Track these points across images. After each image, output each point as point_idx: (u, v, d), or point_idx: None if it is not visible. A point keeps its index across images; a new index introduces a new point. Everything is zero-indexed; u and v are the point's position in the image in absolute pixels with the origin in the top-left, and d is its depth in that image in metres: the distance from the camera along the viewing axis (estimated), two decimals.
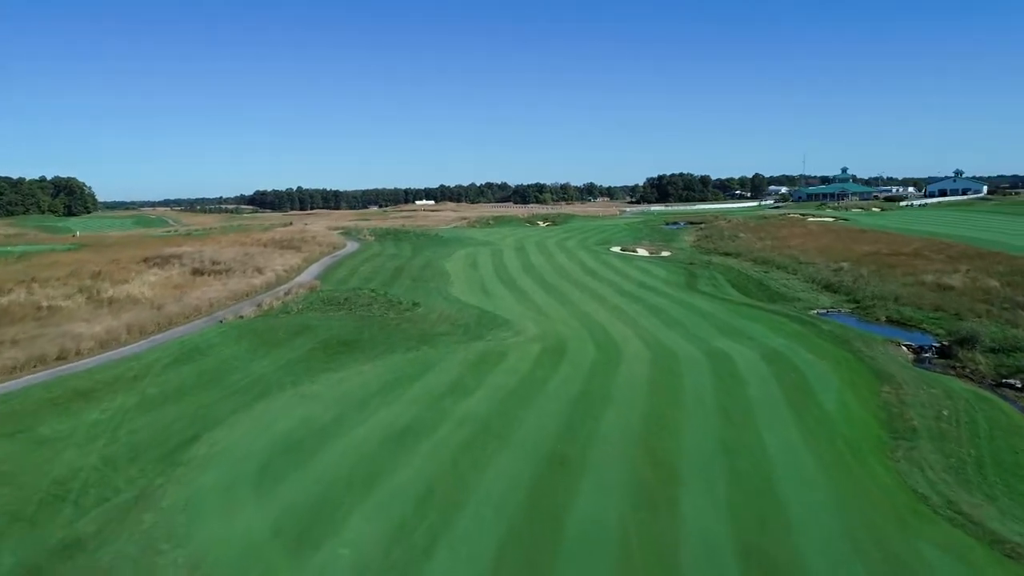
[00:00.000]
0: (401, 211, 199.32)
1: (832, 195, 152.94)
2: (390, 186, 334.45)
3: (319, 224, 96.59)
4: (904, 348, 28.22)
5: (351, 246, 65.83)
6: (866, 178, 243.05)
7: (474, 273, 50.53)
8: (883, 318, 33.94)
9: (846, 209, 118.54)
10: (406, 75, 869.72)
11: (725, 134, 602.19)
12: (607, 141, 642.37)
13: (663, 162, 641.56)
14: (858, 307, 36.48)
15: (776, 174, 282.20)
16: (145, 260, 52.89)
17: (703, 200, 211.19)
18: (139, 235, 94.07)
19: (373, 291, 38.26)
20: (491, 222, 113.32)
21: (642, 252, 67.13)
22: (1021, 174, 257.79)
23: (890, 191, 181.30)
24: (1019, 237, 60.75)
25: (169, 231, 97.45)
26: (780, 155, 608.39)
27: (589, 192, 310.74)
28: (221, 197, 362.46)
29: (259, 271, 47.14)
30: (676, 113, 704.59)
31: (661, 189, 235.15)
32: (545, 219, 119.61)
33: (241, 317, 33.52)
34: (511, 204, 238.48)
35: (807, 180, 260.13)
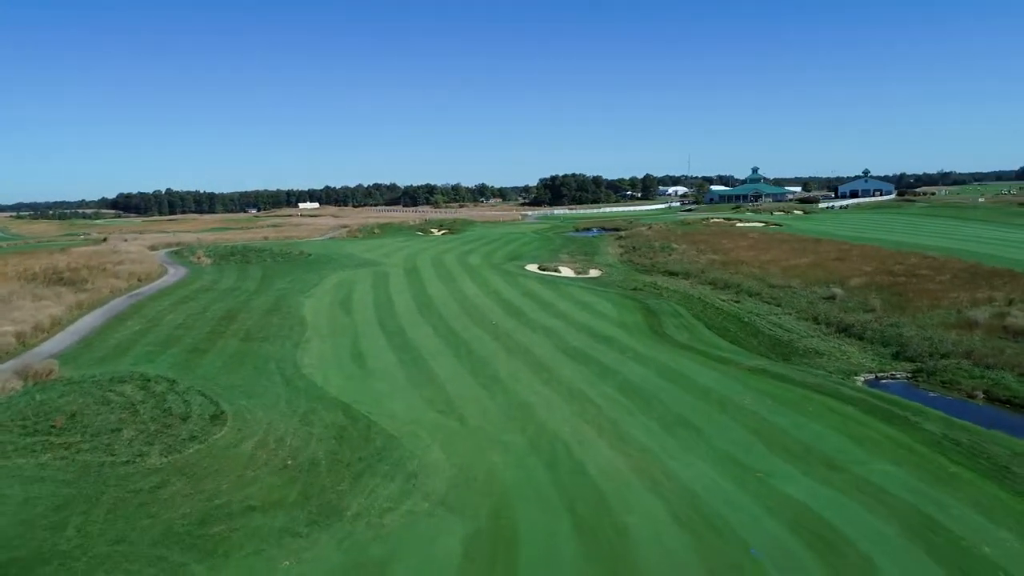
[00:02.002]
0: (273, 216, 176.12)
1: (745, 196, 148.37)
2: (272, 188, 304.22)
3: (144, 240, 74.73)
4: None
5: (173, 275, 47.04)
6: (743, 178, 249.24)
7: (345, 320, 34.44)
8: (979, 394, 22.21)
9: (770, 212, 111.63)
10: (291, 74, 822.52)
11: (611, 134, 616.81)
12: (496, 140, 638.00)
13: (552, 162, 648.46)
14: (921, 371, 24.63)
15: (662, 174, 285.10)
16: None
17: (596, 201, 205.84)
18: None
19: (147, 381, 21.44)
20: (376, 231, 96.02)
21: (566, 272, 53.57)
22: (917, 173, 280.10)
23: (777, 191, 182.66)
24: (994, 246, 53.89)
25: None
26: (664, 156, 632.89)
27: (481, 193, 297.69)
28: (83, 200, 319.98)
29: None
30: (562, 113, 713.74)
31: (555, 190, 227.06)
32: (440, 225, 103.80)
33: None
34: (400, 207, 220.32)
35: (690, 180, 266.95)
